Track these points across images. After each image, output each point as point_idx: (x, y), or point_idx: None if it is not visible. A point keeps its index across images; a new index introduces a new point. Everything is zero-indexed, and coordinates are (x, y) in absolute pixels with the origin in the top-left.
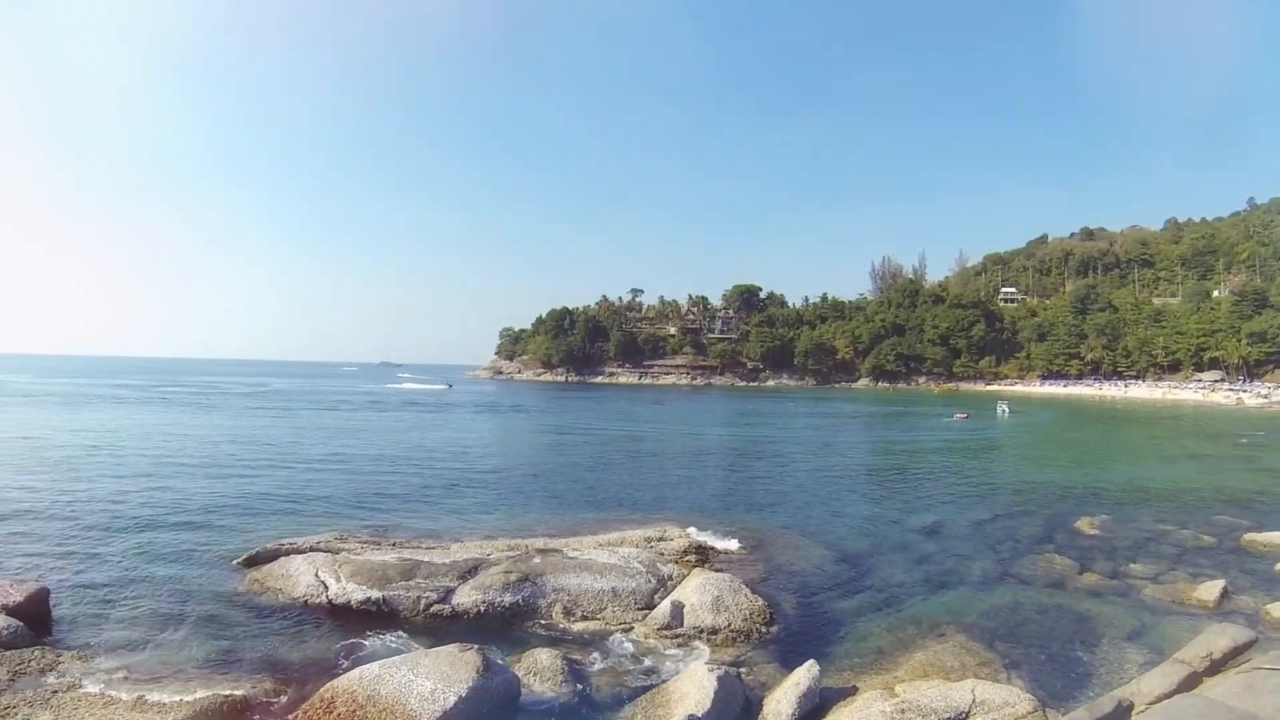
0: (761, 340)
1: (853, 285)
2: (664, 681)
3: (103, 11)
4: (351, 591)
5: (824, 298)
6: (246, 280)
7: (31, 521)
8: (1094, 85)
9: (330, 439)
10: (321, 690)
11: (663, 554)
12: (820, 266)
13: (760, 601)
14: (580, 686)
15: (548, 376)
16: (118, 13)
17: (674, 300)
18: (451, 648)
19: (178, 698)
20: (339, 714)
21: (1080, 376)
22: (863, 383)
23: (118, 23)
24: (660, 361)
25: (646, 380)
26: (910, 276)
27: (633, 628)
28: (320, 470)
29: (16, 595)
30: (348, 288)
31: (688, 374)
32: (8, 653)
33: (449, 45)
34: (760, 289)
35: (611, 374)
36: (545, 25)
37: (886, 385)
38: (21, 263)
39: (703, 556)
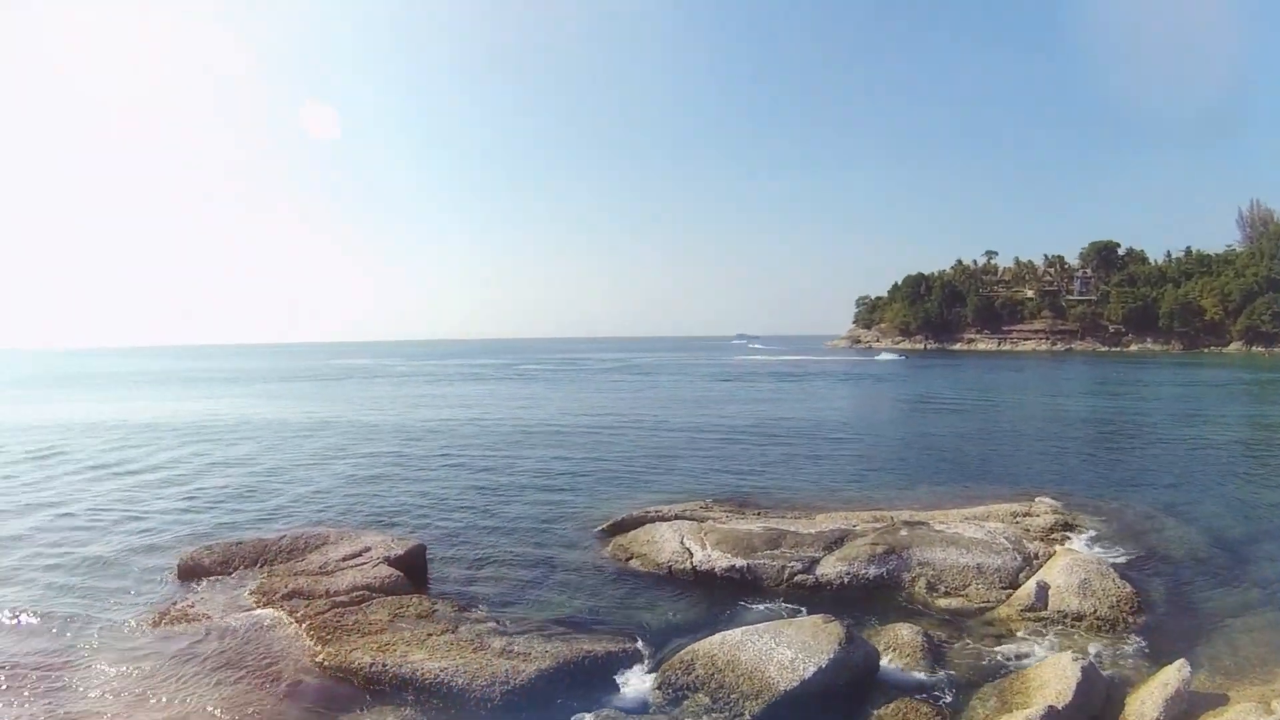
0: (1122, 301)
1: (1219, 236)
2: (1024, 667)
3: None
4: (716, 559)
5: (1188, 251)
6: (613, 262)
7: (414, 484)
8: None
9: (690, 409)
10: (681, 652)
11: (1028, 530)
12: (1180, 216)
13: (1128, 588)
14: (938, 665)
15: (906, 344)
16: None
17: (1029, 261)
18: (814, 618)
19: (542, 648)
20: (697, 675)
21: None
22: (1234, 346)
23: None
24: (1018, 326)
25: (1005, 346)
26: None
27: (995, 607)
28: (681, 439)
29: (398, 549)
30: (700, 262)
31: (1046, 339)
32: (389, 598)
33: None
34: (1119, 245)
35: (970, 340)
36: None
37: (1262, 349)
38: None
39: (1067, 535)
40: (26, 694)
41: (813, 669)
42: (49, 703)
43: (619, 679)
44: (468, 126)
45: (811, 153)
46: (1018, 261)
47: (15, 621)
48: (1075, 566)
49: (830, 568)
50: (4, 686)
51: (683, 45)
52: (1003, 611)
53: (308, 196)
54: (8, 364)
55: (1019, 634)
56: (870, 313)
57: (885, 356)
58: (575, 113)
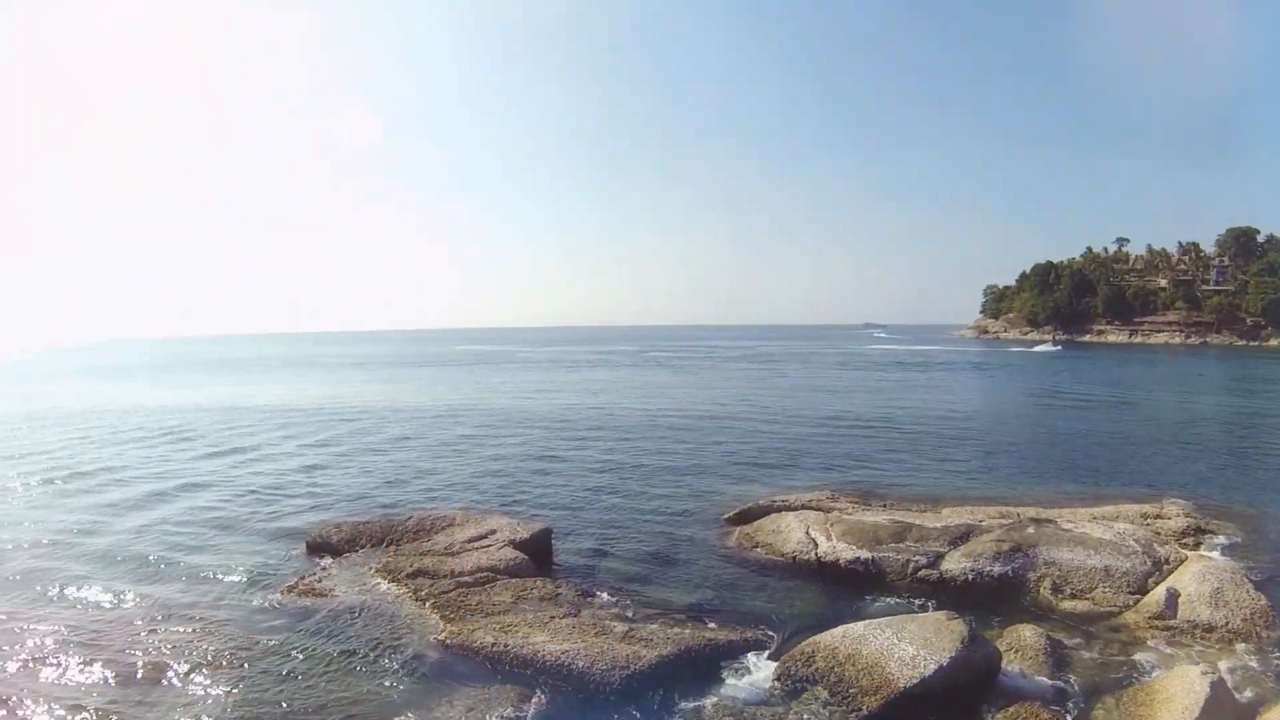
0: (1261, 292)
1: None
2: (1150, 678)
3: None
4: (841, 551)
5: None
6: (741, 250)
7: (541, 468)
8: None
9: (815, 399)
10: (803, 643)
11: (1158, 533)
12: None
13: (1263, 600)
14: (1060, 670)
15: (1034, 335)
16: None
17: (1163, 249)
18: (937, 615)
19: (664, 634)
20: (817, 668)
21: None
22: None
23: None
24: (1150, 318)
25: (1136, 339)
26: None
27: (1122, 613)
28: (807, 428)
29: (523, 532)
30: (828, 250)
31: (1180, 331)
32: (513, 580)
33: None
34: (1258, 231)
35: (1099, 332)
36: None
37: None
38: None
39: (1199, 540)
40: (164, 656)
41: (934, 667)
42: (184, 664)
43: (739, 668)
44: (590, 120)
45: (939, 136)
46: (1150, 249)
47: (156, 588)
48: (1208, 574)
49: (955, 563)
50: (145, 649)
51: (806, 23)
52: (1129, 618)
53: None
54: (140, 351)
55: (1146, 642)
56: (998, 302)
57: (1043, 348)
58: (698, 101)
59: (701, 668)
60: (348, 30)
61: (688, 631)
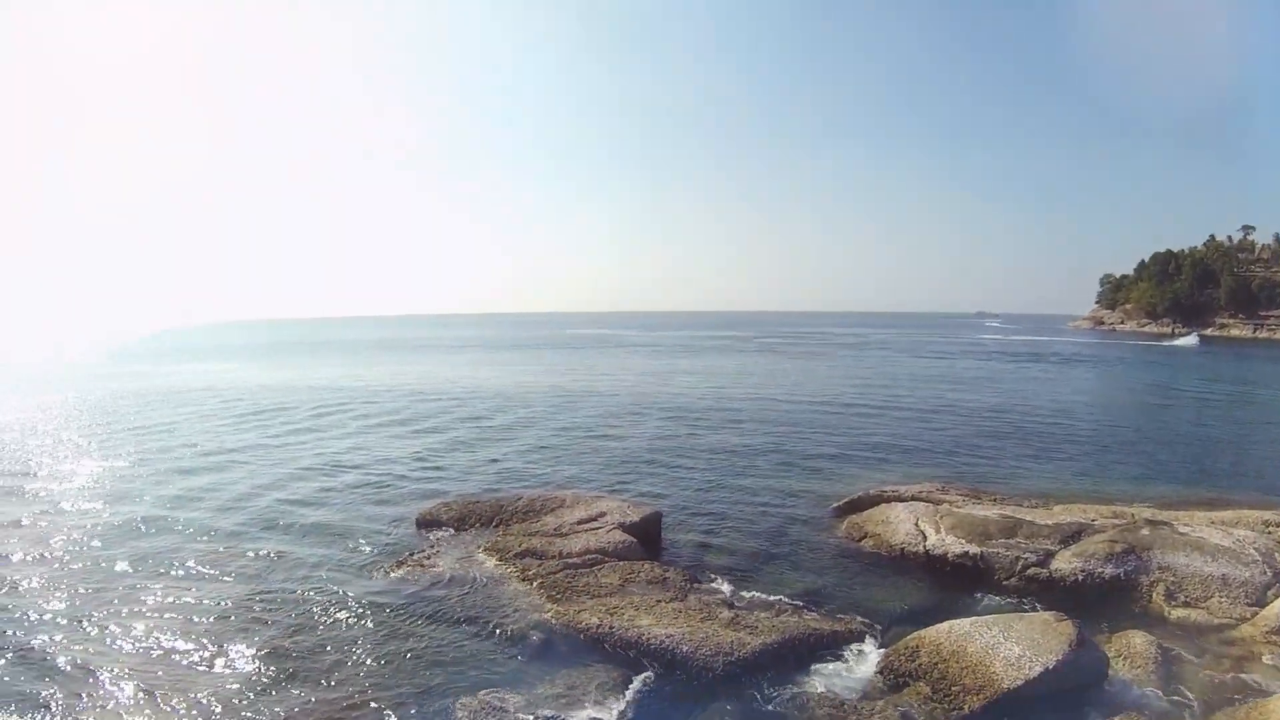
0: None
1: None
2: (1264, 697)
3: None
4: (950, 544)
5: None
6: (855, 237)
7: (653, 452)
8: None
9: (928, 388)
10: (908, 638)
11: None
12: None
13: None
14: (1170, 681)
15: (1152, 328)
16: None
17: None
18: (1045, 615)
19: (769, 621)
20: (921, 663)
21: None
22: None
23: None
24: (1276, 312)
25: (1262, 334)
26: None
27: (1238, 625)
28: (918, 418)
29: (633, 516)
30: (941, 237)
31: None
32: (620, 563)
33: None
34: None
35: (1222, 325)
36: None
37: None
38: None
39: None
40: (276, 625)
41: (1039, 669)
42: (296, 633)
43: (842, 659)
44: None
45: (1055, 123)
46: (1278, 238)
47: (273, 556)
48: None
49: (1065, 563)
50: (259, 618)
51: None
52: (1246, 631)
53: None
54: (252, 332)
55: (1262, 658)
56: (1114, 292)
57: (1184, 341)
58: (813, 88)
59: (804, 657)
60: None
61: (792, 620)
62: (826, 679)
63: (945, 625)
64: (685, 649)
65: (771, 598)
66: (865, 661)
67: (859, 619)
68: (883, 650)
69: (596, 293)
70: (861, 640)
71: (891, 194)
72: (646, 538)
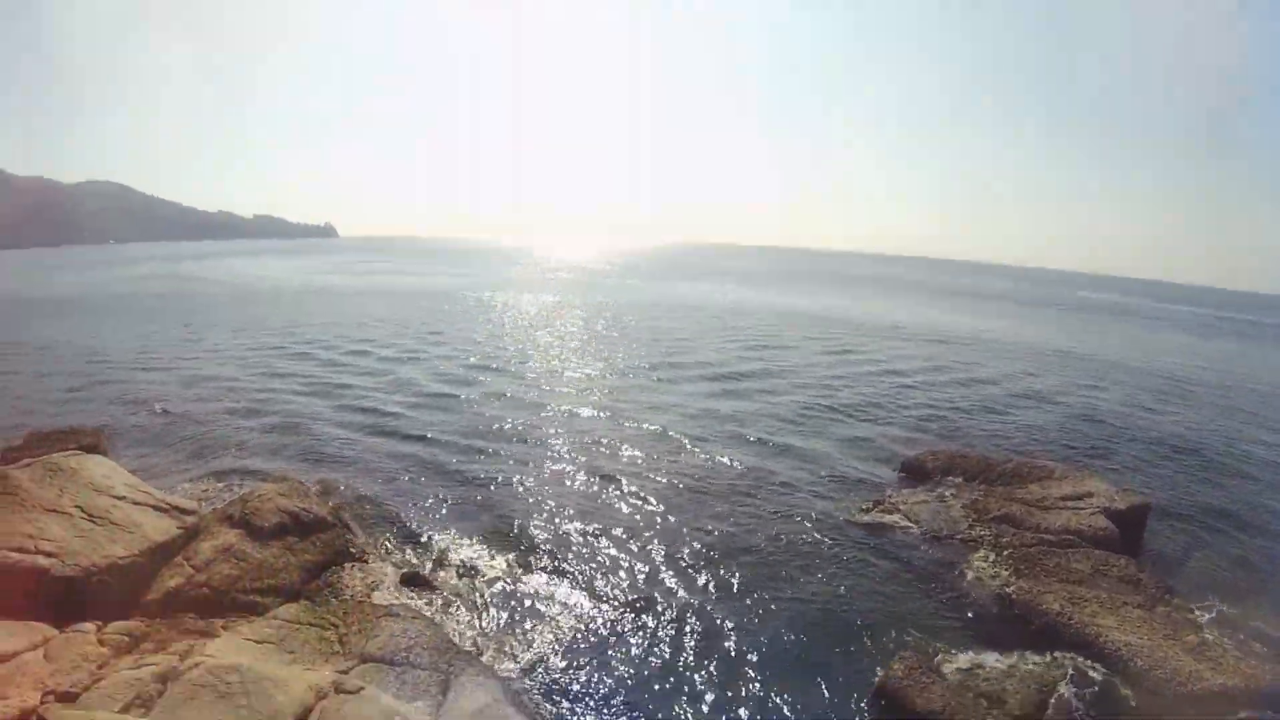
0: None
1: None
2: None
3: None
4: None
5: None
6: None
7: (1144, 430)
8: None
9: None
10: None
11: None
12: None
13: None
14: None
15: None
16: None
17: None
18: None
19: (1236, 661)
20: None
21: None
22: None
23: None
24: None
25: None
26: None
27: None
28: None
29: (1120, 503)
30: None
31: None
32: (1095, 551)
33: None
34: None
35: None
36: None
37: None
38: None
39: None
40: (755, 531)
41: None
42: (758, 556)
43: None
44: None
45: None
46: None
47: (754, 476)
48: None
49: None
50: (740, 524)
51: None
52: None
53: None
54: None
55: None
56: None
57: None
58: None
59: (1267, 714)
60: None
61: (1265, 669)
62: None
63: None
64: (1139, 664)
65: (1248, 632)
66: None
67: None
68: None
69: None
70: None
71: None
72: (1128, 529)
